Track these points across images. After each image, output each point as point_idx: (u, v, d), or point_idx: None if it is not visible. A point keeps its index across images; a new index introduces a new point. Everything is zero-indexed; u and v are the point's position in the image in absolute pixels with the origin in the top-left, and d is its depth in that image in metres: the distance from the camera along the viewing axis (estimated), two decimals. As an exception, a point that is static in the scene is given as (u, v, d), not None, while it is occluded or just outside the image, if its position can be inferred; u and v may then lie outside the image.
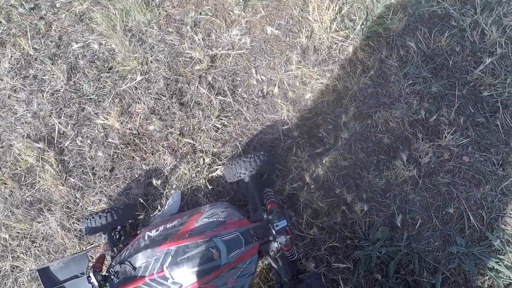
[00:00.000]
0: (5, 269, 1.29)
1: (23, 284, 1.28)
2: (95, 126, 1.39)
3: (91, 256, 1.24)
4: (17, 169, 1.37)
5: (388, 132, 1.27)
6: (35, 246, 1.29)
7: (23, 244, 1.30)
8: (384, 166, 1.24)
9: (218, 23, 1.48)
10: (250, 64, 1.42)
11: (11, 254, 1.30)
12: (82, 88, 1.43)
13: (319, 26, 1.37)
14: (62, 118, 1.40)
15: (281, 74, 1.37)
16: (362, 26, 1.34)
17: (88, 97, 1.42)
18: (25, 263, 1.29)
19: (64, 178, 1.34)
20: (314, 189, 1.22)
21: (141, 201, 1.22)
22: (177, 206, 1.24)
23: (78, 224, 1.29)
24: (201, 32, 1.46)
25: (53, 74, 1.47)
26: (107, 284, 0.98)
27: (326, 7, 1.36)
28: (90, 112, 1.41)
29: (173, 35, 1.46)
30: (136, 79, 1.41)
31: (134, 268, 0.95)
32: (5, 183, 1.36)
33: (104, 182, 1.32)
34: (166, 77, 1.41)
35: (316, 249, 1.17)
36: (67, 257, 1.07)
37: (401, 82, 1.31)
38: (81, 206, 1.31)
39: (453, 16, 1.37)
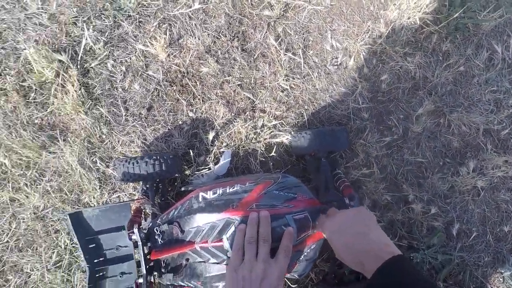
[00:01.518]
0: (3, 200, 1.05)
1: (23, 221, 1.06)
2: (133, 51, 1.13)
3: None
4: (25, 80, 1.08)
5: (459, 136, 1.20)
6: (44, 180, 1.06)
7: (28, 175, 1.06)
8: (449, 170, 1.18)
9: (299, -34, 1.25)
10: (326, 25, 1.23)
11: (11, 183, 1.05)
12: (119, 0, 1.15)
13: (408, 2, 1.22)
14: (91, 30, 1.12)
15: (359, 45, 1.21)
16: (454, 15, 1.21)
17: (127, 13, 1.14)
18: (27, 197, 1.06)
19: (88, 105, 1.08)
20: (380, 180, 1.13)
21: (191, 153, 1.03)
22: (226, 167, 1.08)
23: (101, 164, 1.07)
24: (277, -29, 1.23)
25: (83, -28, 1.15)
26: (149, 244, 0.82)
27: (427, -17, 1.20)
28: (127, 33, 1.14)
29: (246, -35, 1.21)
30: (192, 7, 1.15)
31: (182, 231, 0.80)
32: (7, 95, 1.07)
33: (139, 121, 1.10)
34: (229, 14, 1.18)
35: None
36: (105, 205, 0.88)
37: (483, 87, 1.22)
38: (107, 144, 1.09)
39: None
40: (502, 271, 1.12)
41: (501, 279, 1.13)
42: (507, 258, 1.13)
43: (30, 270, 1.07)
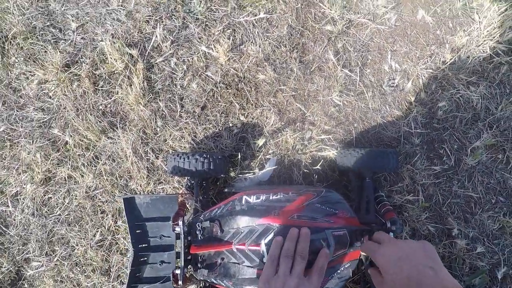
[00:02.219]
0: (61, 176, 1.14)
1: (75, 198, 1.14)
2: (195, 52, 1.19)
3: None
4: (97, 69, 1.17)
5: (517, 175, 1.12)
6: (99, 162, 1.14)
7: (87, 156, 1.14)
8: (501, 210, 1.11)
9: (365, -16, 1.25)
10: (387, 45, 1.21)
11: (71, 161, 1.14)
12: (190, 2, 1.21)
13: (480, 29, 1.17)
14: (160, 29, 1.19)
15: (419, 69, 1.18)
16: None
17: (196, 16, 1.20)
18: (82, 177, 1.14)
19: (148, 98, 1.15)
20: (424, 208, 1.09)
21: (239, 156, 1.06)
22: (269, 174, 1.09)
23: (151, 155, 1.13)
24: (343, -12, 1.23)
25: (160, -26, 1.23)
26: (189, 237, 0.86)
27: (501, 10, 1.15)
28: (193, 34, 1.20)
29: (313, -20, 1.23)
30: (257, 15, 1.19)
31: (222, 230, 0.83)
32: (80, 81, 1.17)
33: (192, 119, 1.15)
34: (291, 25, 1.20)
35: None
36: (156, 194, 0.93)
37: (550, 126, 1.14)
38: (160, 137, 1.14)
39: None
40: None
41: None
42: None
43: (75, 245, 1.15)
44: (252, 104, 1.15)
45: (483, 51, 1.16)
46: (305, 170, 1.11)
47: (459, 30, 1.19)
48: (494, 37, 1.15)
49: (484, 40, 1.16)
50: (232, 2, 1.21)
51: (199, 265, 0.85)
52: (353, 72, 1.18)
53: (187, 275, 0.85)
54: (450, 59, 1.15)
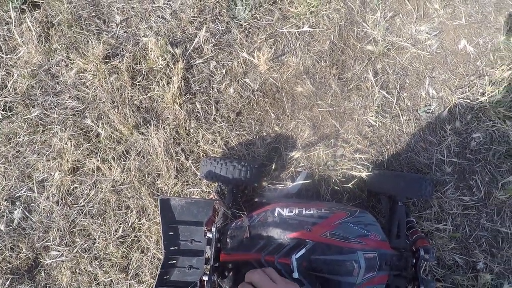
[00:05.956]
0: (90, 167, 1.13)
1: (101, 191, 1.13)
2: (236, 57, 1.19)
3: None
4: (138, 64, 1.18)
5: (546, 214, 1.12)
6: (129, 157, 1.13)
7: (117, 149, 1.14)
8: (528, 247, 1.10)
9: (409, 8, 1.25)
10: (426, 71, 1.21)
11: (101, 153, 1.14)
12: (235, 8, 1.21)
13: (520, 66, 1.17)
14: (204, 31, 1.19)
15: (456, 97, 1.18)
16: None
17: (239, 22, 1.21)
18: (110, 170, 1.14)
19: (184, 98, 1.15)
20: (451, 238, 1.08)
21: (273, 166, 1.06)
22: (299, 187, 1.09)
23: (182, 155, 1.12)
24: (386, 10, 1.24)
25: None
26: (219, 244, 0.85)
27: (543, 50, 1.16)
28: (235, 40, 1.20)
29: (358, -1, 1.24)
30: (301, 28, 1.20)
31: (252, 240, 0.81)
32: (118, 73, 1.17)
33: (226, 124, 1.15)
34: (333, 42, 1.21)
35: (428, 300, 1.05)
36: (192, 198, 0.92)
37: None
38: (192, 138, 1.14)
39: None
40: None
41: None
42: None
43: (97, 238, 1.14)
44: (287, 116, 1.15)
45: (523, 87, 1.16)
46: (335, 187, 1.10)
47: (500, 64, 1.19)
48: (535, 75, 1.15)
49: (524, 76, 1.16)
50: (277, 12, 1.21)
51: (226, 273, 0.84)
52: (390, 94, 1.18)
53: (216, 281, 0.84)
54: (490, 92, 1.15)
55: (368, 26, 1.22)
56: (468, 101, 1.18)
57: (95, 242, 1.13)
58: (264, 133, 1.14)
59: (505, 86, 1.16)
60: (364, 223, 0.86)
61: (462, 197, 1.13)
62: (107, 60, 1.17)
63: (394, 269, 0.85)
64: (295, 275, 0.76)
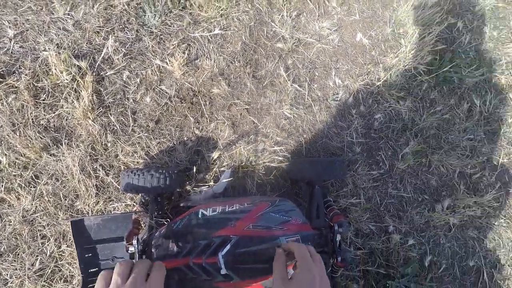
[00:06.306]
0: (-6, 198, 1.03)
1: (9, 224, 1.03)
2: (149, 65, 1.18)
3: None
4: (39, 81, 1.09)
5: (437, 176, 1.33)
6: (40, 182, 1.05)
7: (24, 175, 1.05)
8: (426, 206, 1.30)
9: (311, 7, 1.36)
10: (331, 63, 1.34)
11: (4, 183, 1.04)
12: (144, 15, 1.20)
13: (406, 52, 1.36)
14: (111, 41, 1.15)
15: (358, 85, 1.33)
16: (443, 68, 1.36)
17: (150, 29, 1.20)
18: (18, 200, 1.04)
19: (97, 112, 1.11)
20: (365, 210, 1.22)
21: (194, 169, 1.08)
22: (224, 186, 1.12)
23: (101, 172, 1.08)
24: (291, 10, 1.34)
25: (110, -16, 1.20)
26: (144, 256, 0.86)
27: (421, 37, 1.35)
28: (147, 47, 1.18)
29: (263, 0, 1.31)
30: (212, 31, 1.23)
31: (179, 246, 0.84)
32: (17, 93, 1.07)
33: (145, 133, 1.13)
34: (245, 42, 1.26)
35: (350, 268, 1.17)
36: (108, 214, 0.89)
37: (461, 134, 1.37)
38: (110, 152, 1.10)
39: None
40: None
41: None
42: (472, 292, 1.26)
43: (9, 277, 1.04)
44: (206, 118, 1.18)
45: (409, 71, 1.35)
46: (259, 181, 1.17)
47: (390, 52, 1.36)
48: (416, 59, 1.34)
49: (410, 62, 1.35)
50: (187, 17, 1.22)
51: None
52: (302, 87, 1.28)
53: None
54: (383, 77, 1.32)
55: (276, 25, 1.30)
56: (368, 86, 1.33)
57: (7, 283, 1.03)
58: (185, 138, 1.16)
59: (394, 72, 1.34)
60: (285, 210, 0.93)
61: (371, 171, 1.28)
62: (1, 80, 1.07)
63: (317, 247, 0.93)
64: (223, 271, 0.79)
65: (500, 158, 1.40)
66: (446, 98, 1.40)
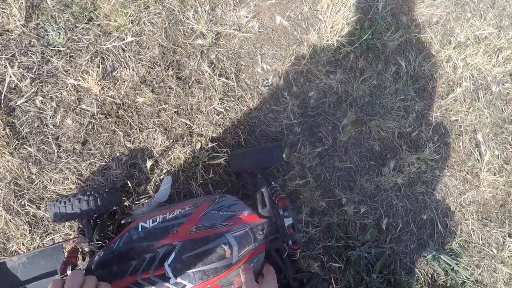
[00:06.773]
0: None
1: None
2: (64, 86, 1.12)
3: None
4: None
5: (379, 140, 1.36)
6: (-38, 231, 0.97)
7: None
8: (374, 172, 1.33)
9: (225, -2, 1.35)
10: (256, 50, 1.34)
11: None
12: (47, 35, 1.13)
13: (326, 27, 1.38)
14: (15, 68, 1.08)
15: (286, 67, 1.34)
16: (364, 36, 1.40)
17: (56, 48, 1.14)
18: None
19: (14, 146, 1.04)
20: (315, 188, 1.23)
21: (129, 183, 1.03)
22: (167, 193, 1.09)
23: (31, 207, 1.01)
24: (205, 4, 1.32)
25: (3, 9, 1.12)
26: None
27: (337, 11, 1.38)
28: (57, 68, 1.12)
29: (175, -1, 1.28)
30: (125, 40, 1.18)
31: (124, 265, 0.81)
32: None
33: (73, 157, 1.07)
34: (162, 45, 1.23)
35: (311, 248, 1.18)
36: (33, 251, 0.83)
37: (393, 96, 1.42)
38: (37, 185, 1.04)
39: (433, 46, 1.55)
40: (426, 255, 1.28)
41: (425, 262, 1.29)
42: (427, 242, 1.30)
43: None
44: (136, 129, 1.14)
45: (332, 44, 1.37)
46: (201, 181, 1.14)
47: (311, 30, 1.38)
48: (336, 33, 1.37)
49: (331, 36, 1.37)
50: (95, 29, 1.17)
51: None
52: (230, 79, 1.27)
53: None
54: (308, 55, 1.33)
55: (192, 22, 1.27)
56: (296, 67, 1.34)
57: None
58: (118, 154, 1.11)
59: (319, 47, 1.36)
60: (227, 206, 0.91)
61: (316, 149, 1.29)
62: None
63: (269, 235, 0.93)
64: (172, 280, 0.77)
65: (433, 112, 1.46)
66: (373, 65, 1.44)
